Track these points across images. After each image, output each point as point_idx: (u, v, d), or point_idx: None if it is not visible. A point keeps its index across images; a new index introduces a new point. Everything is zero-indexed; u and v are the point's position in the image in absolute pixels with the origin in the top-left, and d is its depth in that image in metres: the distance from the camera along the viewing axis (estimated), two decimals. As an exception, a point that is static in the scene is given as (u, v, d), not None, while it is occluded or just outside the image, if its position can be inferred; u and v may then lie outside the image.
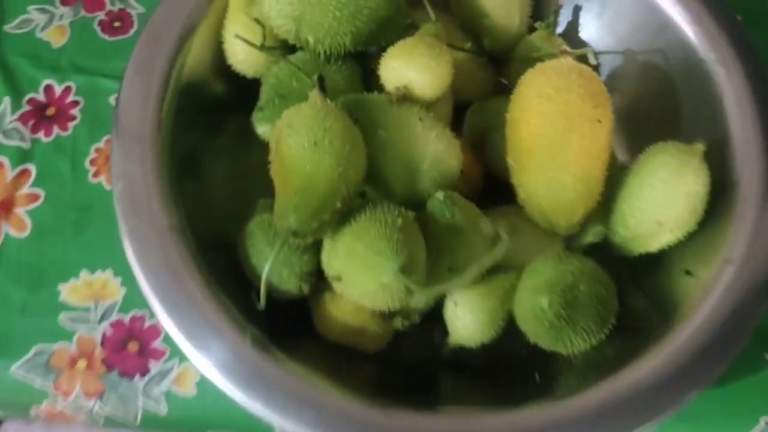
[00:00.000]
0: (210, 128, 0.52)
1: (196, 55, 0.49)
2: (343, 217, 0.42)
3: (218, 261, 0.46)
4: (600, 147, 0.45)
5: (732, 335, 0.42)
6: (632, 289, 0.49)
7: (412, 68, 0.45)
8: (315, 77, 0.43)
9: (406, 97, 0.45)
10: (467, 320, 0.46)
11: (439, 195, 0.43)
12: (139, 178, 0.45)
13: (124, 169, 0.45)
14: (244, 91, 0.51)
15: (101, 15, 0.59)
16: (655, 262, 0.48)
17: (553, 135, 0.44)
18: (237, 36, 0.46)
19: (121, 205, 0.44)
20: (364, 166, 0.42)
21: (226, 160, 0.52)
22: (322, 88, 0.43)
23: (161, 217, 0.44)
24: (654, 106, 0.53)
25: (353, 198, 0.42)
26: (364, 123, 0.44)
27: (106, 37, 0.59)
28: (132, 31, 0.59)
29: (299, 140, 0.40)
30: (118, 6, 0.60)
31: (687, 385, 0.41)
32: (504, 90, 0.55)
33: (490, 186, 0.52)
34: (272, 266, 0.44)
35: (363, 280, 0.40)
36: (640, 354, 0.42)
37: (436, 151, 0.45)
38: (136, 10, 0.60)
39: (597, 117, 0.44)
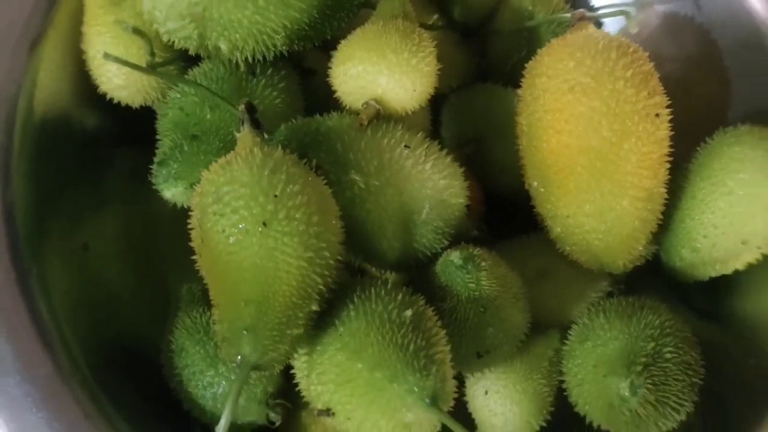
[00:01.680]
0: (90, 183, 0.36)
1: (46, 87, 0.34)
2: (322, 315, 0.27)
3: (124, 379, 0.31)
4: (663, 151, 0.32)
5: None
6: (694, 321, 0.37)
7: (385, 72, 0.30)
8: (241, 105, 0.28)
9: (379, 116, 0.31)
10: (507, 413, 0.33)
11: (456, 258, 0.30)
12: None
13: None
14: (131, 122, 0.35)
15: None
16: (723, 286, 0.36)
17: (601, 145, 0.31)
18: (107, 56, 0.29)
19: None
20: (341, 237, 0.27)
21: (120, 224, 0.37)
22: (255, 123, 0.28)
23: (39, 362, 0.28)
24: (691, 75, 0.40)
25: (332, 287, 0.27)
26: (326, 166, 0.29)
27: None
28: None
29: (238, 222, 0.25)
30: None
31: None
32: (483, 73, 0.41)
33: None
34: (220, 393, 0.30)
35: (373, 418, 0.26)
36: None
37: (435, 190, 0.31)
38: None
39: (654, 110, 0.31)
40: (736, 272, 0.36)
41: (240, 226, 0.25)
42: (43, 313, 0.31)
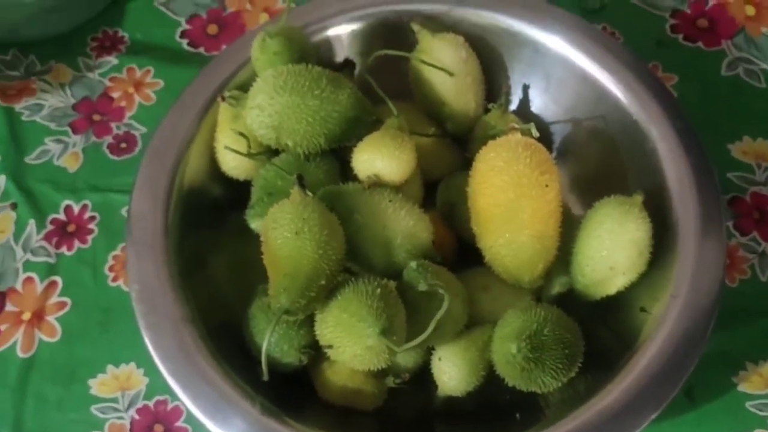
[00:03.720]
0: (212, 228, 0.59)
1: (193, 166, 0.57)
2: (330, 293, 0.48)
3: (227, 343, 0.52)
4: (551, 208, 0.51)
5: (682, 361, 0.47)
6: (601, 329, 0.54)
7: (379, 158, 0.52)
8: (294, 176, 0.50)
9: (376, 184, 0.52)
10: (452, 373, 0.51)
11: (413, 265, 0.50)
12: (152, 278, 0.51)
13: (139, 272, 0.52)
14: (238, 192, 0.58)
15: (109, 139, 0.67)
16: (617, 303, 0.53)
17: (507, 202, 0.50)
18: (226, 147, 0.53)
19: (138, 303, 0.50)
20: (342, 247, 0.48)
21: (228, 254, 0.59)
22: (301, 185, 0.50)
23: (174, 311, 0.50)
24: (602, 165, 0.59)
25: (336, 275, 0.48)
26: (341, 210, 0.50)
27: (115, 157, 0.67)
28: (137, 150, 0.67)
29: (283, 232, 0.47)
30: (123, 129, 0.68)
31: (645, 408, 0.45)
32: (470, 165, 0.62)
33: (465, 251, 0.58)
34: (274, 342, 0.50)
35: (351, 345, 0.46)
36: (606, 384, 0.47)
37: (407, 226, 0.51)
38: (139, 131, 0.68)
39: (544, 182, 0.50)
40: (621, 294, 0.53)
41: (284, 234, 0.47)
42: (183, 299, 0.52)
